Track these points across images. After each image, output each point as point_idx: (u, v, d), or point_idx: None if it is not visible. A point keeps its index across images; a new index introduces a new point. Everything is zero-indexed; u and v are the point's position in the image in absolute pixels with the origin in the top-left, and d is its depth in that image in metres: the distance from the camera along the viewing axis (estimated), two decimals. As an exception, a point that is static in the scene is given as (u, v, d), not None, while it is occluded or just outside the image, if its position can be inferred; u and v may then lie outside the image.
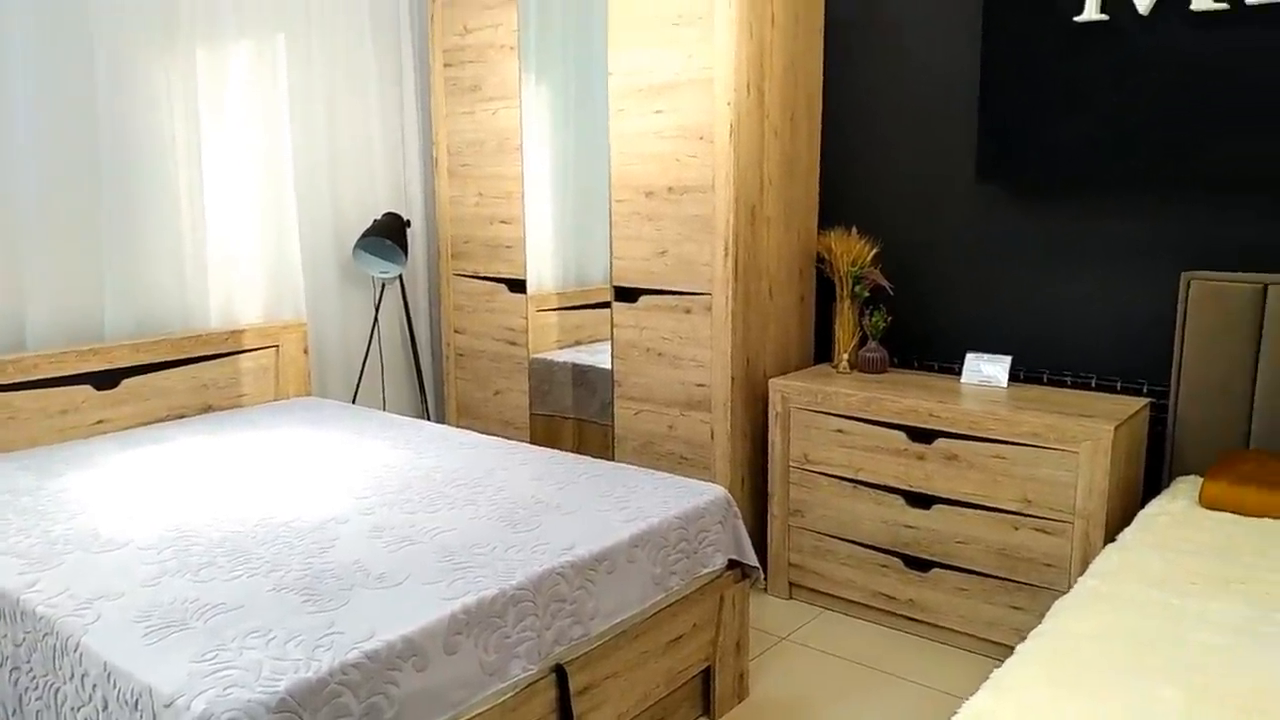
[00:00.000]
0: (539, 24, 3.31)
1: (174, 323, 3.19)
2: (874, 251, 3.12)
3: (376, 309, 3.73)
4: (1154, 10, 2.55)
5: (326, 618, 1.67)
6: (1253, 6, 2.41)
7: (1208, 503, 2.26)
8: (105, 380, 2.95)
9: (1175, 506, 2.29)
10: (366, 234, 3.51)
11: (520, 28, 3.33)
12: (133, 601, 1.74)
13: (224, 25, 3.21)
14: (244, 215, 3.33)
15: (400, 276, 3.72)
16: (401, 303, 3.85)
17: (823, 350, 3.39)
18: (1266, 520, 2.17)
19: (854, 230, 3.19)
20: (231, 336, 3.25)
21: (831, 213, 3.32)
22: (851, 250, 3.10)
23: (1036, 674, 1.51)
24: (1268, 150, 2.44)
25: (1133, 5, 2.57)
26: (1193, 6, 2.48)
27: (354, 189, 3.69)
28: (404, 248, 3.53)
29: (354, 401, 3.71)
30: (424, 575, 1.85)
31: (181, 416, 3.13)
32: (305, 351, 3.45)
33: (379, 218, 3.65)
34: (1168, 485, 2.58)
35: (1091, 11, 2.62)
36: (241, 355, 3.29)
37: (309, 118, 3.50)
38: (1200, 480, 2.46)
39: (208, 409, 3.21)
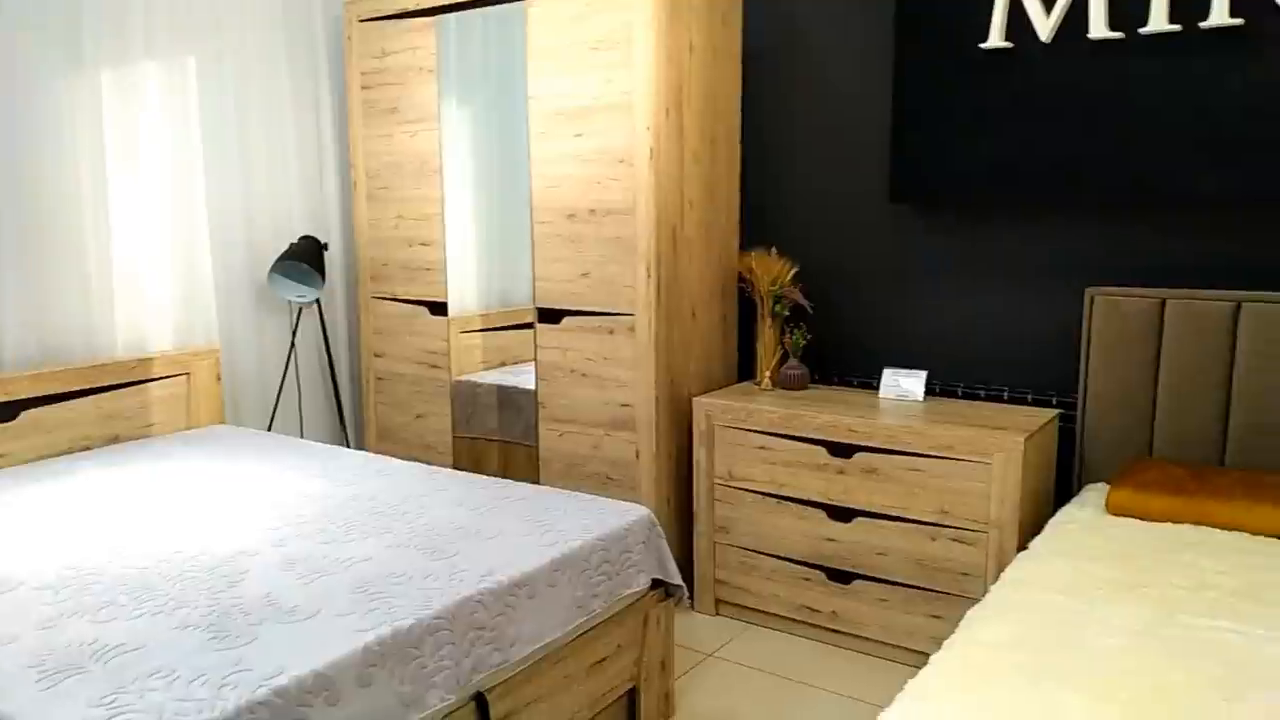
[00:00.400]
0: (459, 47, 3.30)
1: (78, 351, 3.08)
2: (793, 271, 3.17)
3: (293, 334, 3.65)
4: (1055, 38, 2.65)
5: (234, 655, 1.61)
6: (1146, 35, 2.52)
7: (1113, 510, 2.34)
8: (4, 412, 2.83)
9: (1083, 514, 2.37)
10: (282, 257, 3.44)
11: (439, 51, 3.32)
12: (26, 646, 1.66)
13: (132, 47, 3.12)
14: (153, 239, 3.23)
15: (318, 300, 3.65)
16: (319, 327, 3.77)
17: (746, 368, 3.42)
18: (1168, 525, 2.25)
19: (774, 250, 3.24)
20: (140, 364, 3.14)
21: (752, 233, 3.37)
22: (772, 270, 3.14)
23: (947, 684, 1.54)
24: (1162, 171, 2.55)
25: (1035, 33, 2.67)
26: (1090, 35, 2.58)
27: (269, 212, 3.61)
28: (321, 271, 3.47)
29: (270, 429, 3.61)
30: (337, 607, 1.80)
31: (87, 448, 3.02)
32: (218, 379, 3.36)
33: (295, 241, 3.58)
34: (1077, 493, 2.66)
35: (996, 39, 2.72)
36: (150, 384, 3.18)
37: (221, 140, 3.42)
38: (1107, 488, 2.54)
39: (115, 440, 3.10)
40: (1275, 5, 2.34)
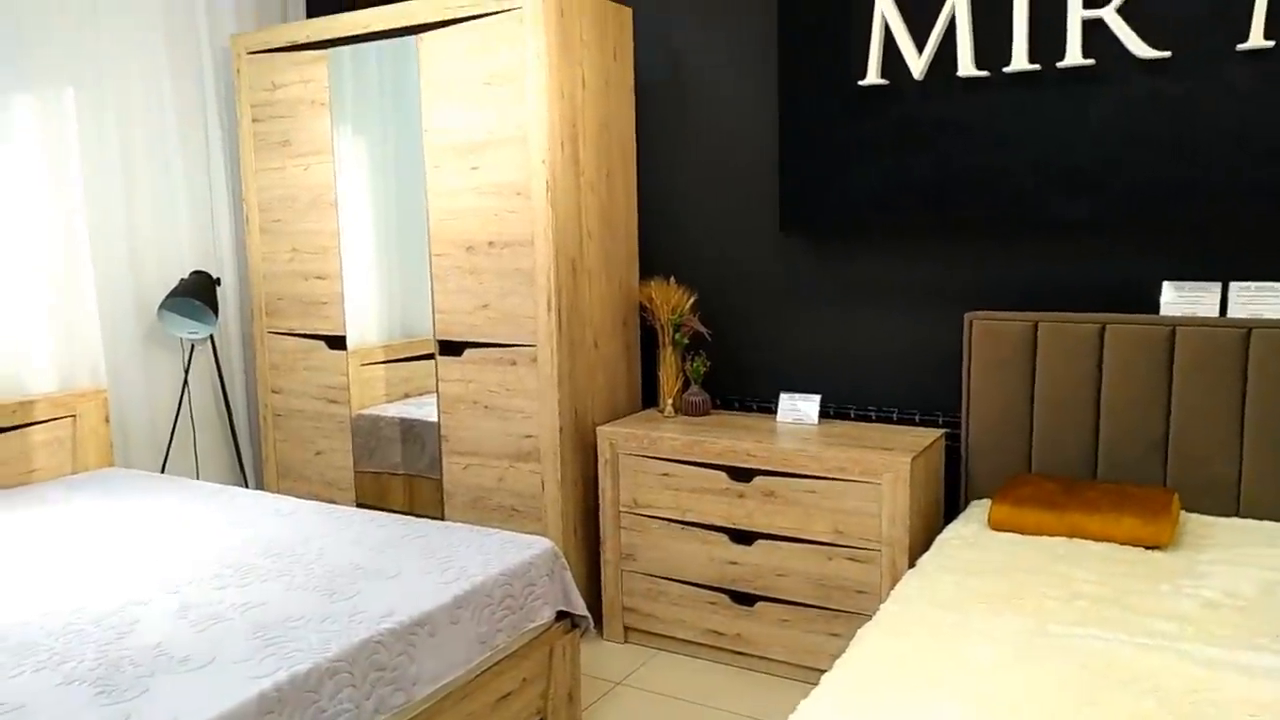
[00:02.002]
0: (354, 80, 3.29)
1: (-49, 396, 2.94)
2: (692, 300, 3.25)
3: (186, 371, 3.56)
4: (927, 76, 2.79)
5: (122, 710, 1.57)
6: (1009, 74, 2.69)
7: (995, 525, 2.46)
8: None
9: (968, 530, 2.48)
10: (172, 294, 3.35)
11: (332, 84, 3.30)
12: (-106, 712, 1.58)
13: (4, 81, 3.02)
14: (32, 278, 3.12)
15: (211, 337, 3.57)
16: (213, 364, 3.68)
17: (649, 395, 3.48)
18: (1044, 538, 2.38)
19: (673, 280, 3.31)
20: (20, 408, 3.02)
21: (651, 263, 3.44)
22: (671, 299, 3.21)
23: (836, 702, 1.60)
24: (1029, 199, 2.71)
25: (909, 71, 2.81)
26: (959, 73, 2.74)
27: (157, 248, 3.52)
28: (214, 307, 3.40)
29: (163, 471, 3.50)
30: (233, 654, 1.77)
31: (-38, 498, 2.88)
32: (106, 420, 3.25)
33: (185, 277, 3.50)
34: (963, 510, 2.79)
35: (873, 76, 2.85)
36: (32, 427, 3.06)
37: (104, 173, 3.33)
38: (990, 504, 2.66)
39: (-7, 488, 2.97)
40: (1123, 46, 2.53)
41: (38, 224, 3.13)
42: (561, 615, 2.38)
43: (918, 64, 2.78)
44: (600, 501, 3.07)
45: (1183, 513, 2.54)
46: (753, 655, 2.89)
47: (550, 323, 2.97)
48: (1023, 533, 2.42)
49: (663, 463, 2.95)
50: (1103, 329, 2.64)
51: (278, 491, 3.64)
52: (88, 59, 3.26)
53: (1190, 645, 1.77)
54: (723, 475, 2.86)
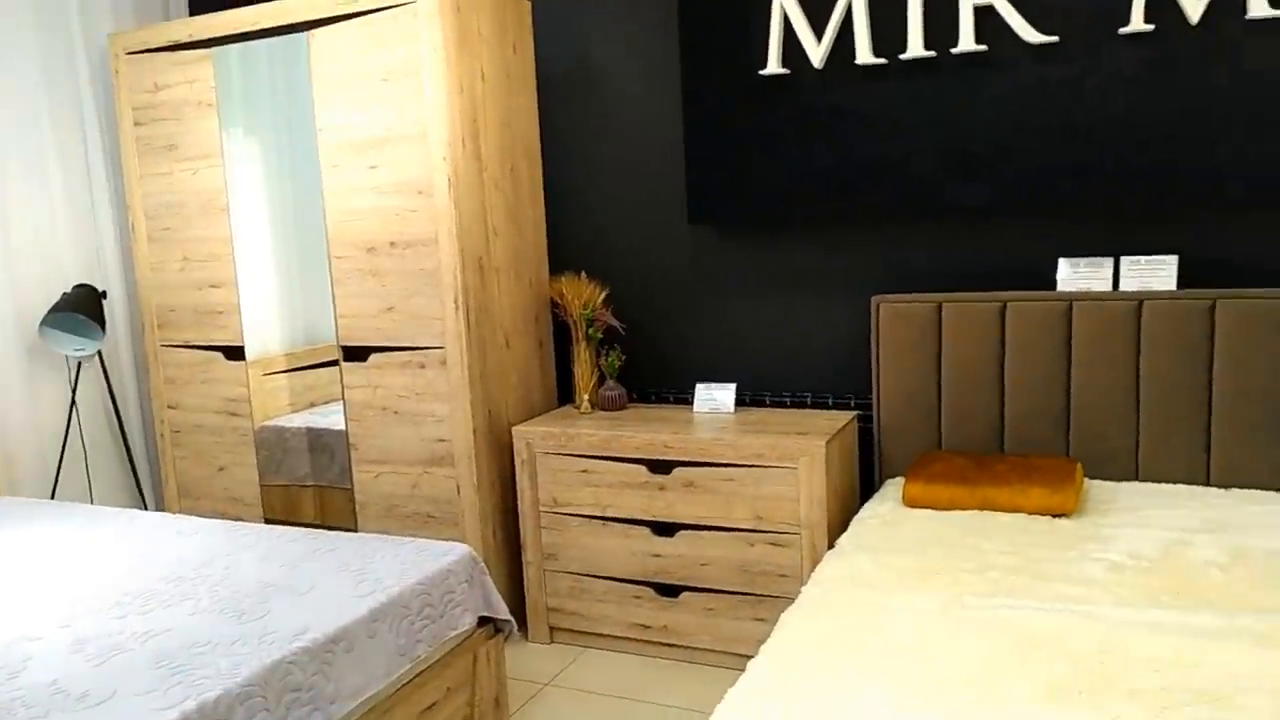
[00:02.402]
0: (243, 79, 3.16)
1: None
2: (604, 294, 3.22)
3: (73, 391, 3.37)
4: (827, 64, 2.82)
5: (13, 755, 1.47)
6: (906, 61, 2.73)
7: (909, 502, 2.51)
8: None
9: (884, 509, 2.52)
10: (54, 309, 3.17)
11: (219, 84, 3.16)
12: None
13: None
14: (-104, 298, 2.91)
15: (100, 353, 3.39)
16: (103, 381, 3.50)
17: (565, 393, 3.44)
18: (957, 513, 2.43)
19: (584, 274, 3.28)
20: (-111, 438, 2.81)
21: (561, 259, 3.40)
22: (582, 294, 3.18)
23: (763, 689, 1.60)
24: (928, 184, 2.76)
25: (809, 60, 2.83)
26: (858, 61, 2.77)
27: (36, 261, 3.32)
28: (101, 321, 3.23)
29: (53, 497, 3.32)
30: (136, 686, 1.68)
31: None
32: (-13, 446, 3.06)
33: (68, 291, 3.31)
34: (878, 489, 2.83)
35: (774, 66, 2.87)
36: (-96, 458, 2.86)
37: (-26, 184, 3.13)
38: (903, 482, 2.71)
39: None
40: (1013, 32, 2.60)
41: (-101, 240, 2.92)
42: (484, 621, 2.33)
43: (817, 52, 2.81)
44: (519, 502, 3.03)
45: (1086, 480, 2.63)
46: (680, 646, 2.88)
47: (459, 323, 2.91)
48: (936, 508, 2.47)
49: (581, 459, 2.92)
50: (1004, 307, 2.71)
51: (179, 512, 3.49)
52: (-52, 62, 3.06)
53: (1098, 608, 1.83)
54: (642, 469, 2.85)
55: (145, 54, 3.27)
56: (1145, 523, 2.28)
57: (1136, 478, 2.62)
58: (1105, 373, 2.60)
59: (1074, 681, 1.57)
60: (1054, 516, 2.36)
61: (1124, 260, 2.63)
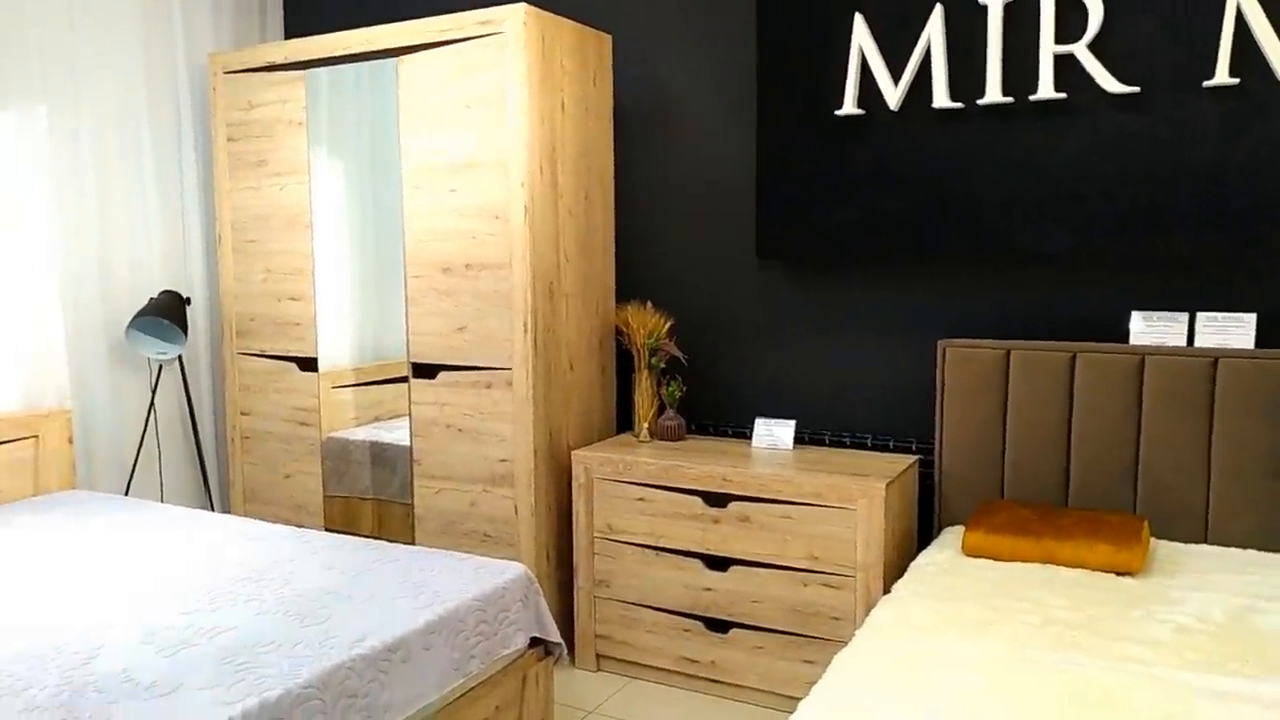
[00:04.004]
0: (331, 101, 3.28)
1: (-90, 415, 2.87)
2: (669, 324, 3.25)
3: (153, 392, 3.50)
4: (903, 106, 2.83)
5: (84, 738, 1.53)
6: (983, 106, 2.73)
7: (969, 551, 2.47)
8: None
9: (942, 556, 2.49)
10: (141, 313, 3.31)
11: (309, 104, 3.29)
12: None
13: (-25, 92, 2.98)
14: (-3, 295, 3.06)
15: (180, 357, 3.51)
16: (181, 385, 3.63)
17: (625, 419, 3.47)
18: (1018, 564, 2.39)
19: (649, 304, 3.32)
20: (-19, 428, 2.95)
21: (628, 287, 3.44)
22: (647, 323, 3.21)
23: (817, 728, 1.59)
24: (1001, 229, 2.75)
25: (885, 102, 2.85)
26: (935, 105, 2.78)
27: (127, 266, 3.47)
28: (184, 327, 3.35)
29: (127, 493, 3.44)
30: (201, 680, 1.73)
31: (-82, 519, 2.80)
32: (70, 441, 3.18)
33: (155, 296, 3.45)
34: (937, 536, 2.80)
35: (850, 106, 2.89)
36: (-7, 448, 2.99)
37: (75, 192, 3.28)
38: (963, 530, 2.67)
39: (-49, 509, 2.89)
40: (1093, 81, 2.58)
41: (4, 241, 3.07)
42: (535, 642, 2.35)
43: (894, 95, 2.82)
44: (574, 527, 3.05)
45: (1153, 539, 2.57)
46: (727, 683, 2.86)
47: (526, 345, 2.96)
48: (997, 559, 2.43)
49: (638, 488, 2.94)
50: (1073, 358, 2.67)
51: (244, 515, 3.58)
52: (63, 76, 3.23)
53: (1163, 670, 1.79)
54: (698, 500, 2.85)
55: (242, 74, 3.42)
56: (1214, 586, 2.21)
57: (1205, 540, 2.55)
58: (1177, 430, 2.55)
59: (1136, 743, 1.53)
60: (1119, 574, 2.31)
61: (1200, 316, 2.58)
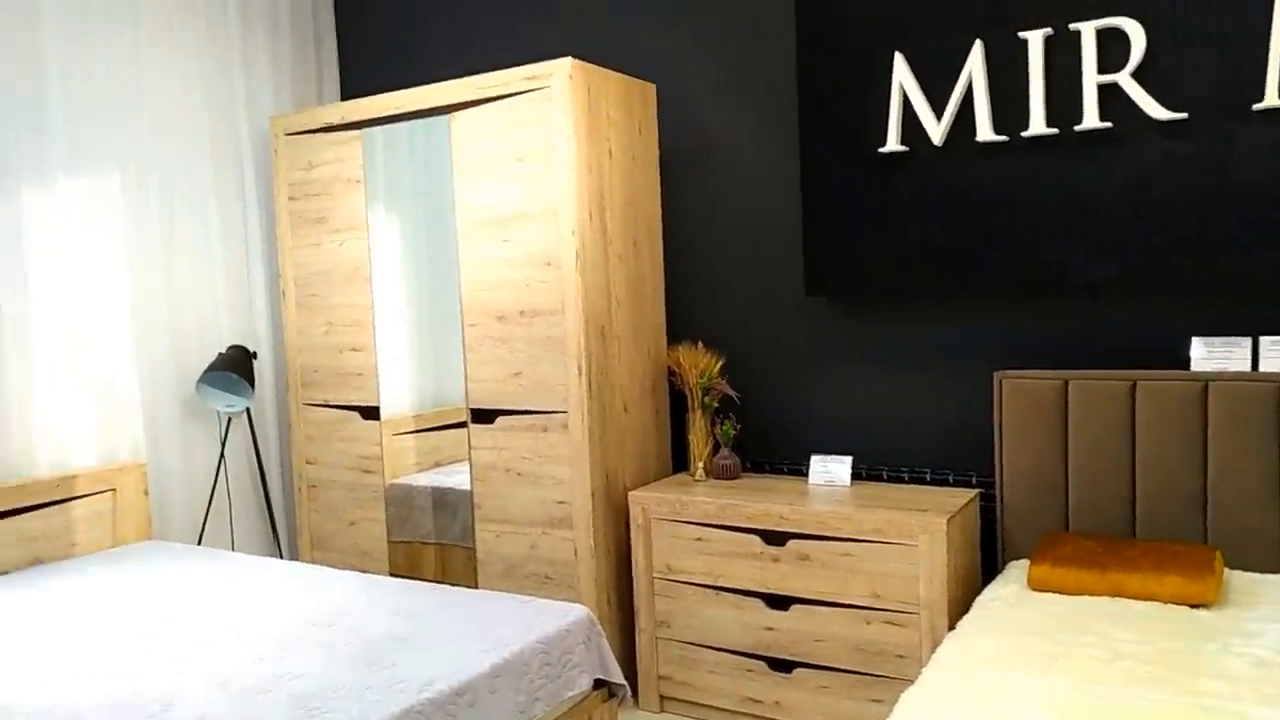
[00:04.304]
0: (386, 158, 3.40)
1: (-3, 472, 3.01)
2: (720, 363, 3.28)
3: (223, 444, 3.61)
4: (946, 141, 2.85)
5: (168, 783, 1.58)
6: (1028, 138, 2.74)
7: (1034, 585, 2.44)
8: (-84, 540, 2.74)
9: (1007, 591, 2.46)
10: (211, 368, 3.43)
11: (366, 162, 3.41)
12: (-55, 787, 1.60)
13: (53, 163, 3.15)
14: (75, 356, 3.20)
15: (248, 409, 3.63)
16: (249, 436, 3.74)
17: (680, 460, 3.49)
18: (1084, 598, 2.35)
19: (700, 344, 3.35)
20: (62, 483, 3.07)
21: (679, 328, 3.48)
22: (699, 363, 3.24)
23: (885, 768, 1.58)
24: (1052, 260, 2.74)
25: (928, 137, 2.87)
26: (978, 138, 2.79)
27: (196, 323, 3.61)
28: (250, 380, 3.46)
29: (199, 543, 3.54)
30: (276, 726, 1.77)
31: (4, 573, 2.92)
32: (145, 493, 3.30)
33: (224, 351, 3.58)
34: (1001, 570, 2.76)
35: (894, 143, 2.91)
36: (74, 502, 3.11)
37: (147, 253, 3.44)
38: (1028, 564, 2.64)
39: (36, 562, 3.01)
40: (1139, 109, 2.58)
41: (82, 302, 3.22)
42: (599, 684, 2.37)
43: (937, 130, 2.84)
44: (633, 568, 3.07)
45: (1226, 570, 2.51)
46: (791, 723, 2.84)
47: (581, 389, 3.01)
48: (1063, 593, 2.39)
49: (695, 527, 2.95)
50: (1133, 386, 2.64)
51: (311, 562, 3.66)
52: (133, 142, 3.39)
53: (1243, 706, 1.74)
54: (756, 539, 2.85)
55: (302, 135, 3.56)
56: (1293, 617, 2.15)
57: (1282, 569, 2.48)
58: (1245, 457, 2.49)
59: (1215, 781, 1.49)
60: (1192, 607, 2.25)
61: (1264, 340, 2.53)
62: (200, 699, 1.91)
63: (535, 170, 3.03)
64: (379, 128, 3.38)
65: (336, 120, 3.46)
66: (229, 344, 3.70)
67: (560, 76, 2.96)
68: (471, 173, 3.16)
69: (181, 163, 3.56)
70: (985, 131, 2.78)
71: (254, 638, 2.24)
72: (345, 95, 4.18)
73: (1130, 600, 2.31)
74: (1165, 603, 2.28)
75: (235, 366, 3.44)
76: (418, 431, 3.46)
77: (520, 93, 3.05)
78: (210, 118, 3.67)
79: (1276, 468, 2.47)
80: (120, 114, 3.36)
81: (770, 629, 2.84)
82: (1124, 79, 2.58)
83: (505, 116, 3.08)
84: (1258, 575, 2.45)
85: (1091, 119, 2.63)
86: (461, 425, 3.28)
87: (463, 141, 3.17)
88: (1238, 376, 2.51)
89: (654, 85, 3.37)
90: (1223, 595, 2.32)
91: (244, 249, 3.79)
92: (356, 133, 3.42)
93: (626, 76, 3.22)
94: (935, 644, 2.58)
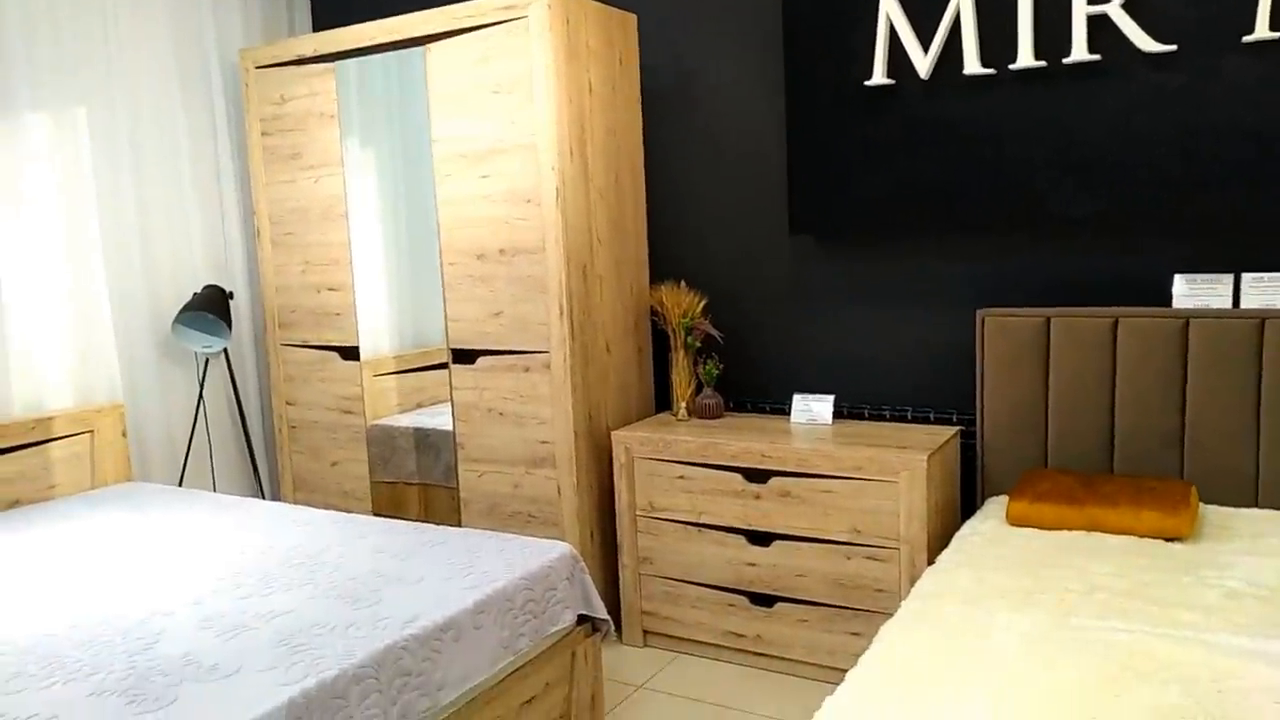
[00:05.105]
0: (360, 92, 3.31)
1: (-29, 414, 2.97)
2: (703, 303, 3.26)
3: (201, 385, 3.58)
4: (932, 75, 2.80)
5: (154, 718, 1.58)
6: (1016, 71, 2.70)
7: (1013, 521, 2.46)
8: (-110, 482, 2.71)
9: (986, 527, 2.48)
10: (186, 308, 3.38)
11: (340, 96, 3.32)
12: (-72, 725, 1.60)
13: (16, 97, 3.05)
14: (47, 297, 3.14)
15: (225, 350, 3.58)
16: (228, 377, 3.70)
17: (662, 399, 3.49)
18: (1063, 533, 2.38)
19: (683, 283, 3.32)
20: (38, 425, 3.04)
21: (661, 267, 3.45)
22: (682, 303, 3.22)
23: (861, 699, 1.61)
24: (1037, 195, 2.71)
25: (914, 70, 2.82)
26: (965, 71, 2.75)
27: (170, 263, 3.54)
28: (227, 320, 3.42)
29: (180, 484, 3.52)
30: (259, 662, 1.78)
31: (-17, 515, 2.90)
32: (124, 434, 3.27)
33: (199, 291, 3.52)
34: (980, 506, 2.79)
35: (879, 76, 2.86)
36: (51, 444, 3.08)
37: (117, 191, 3.35)
38: (1007, 500, 2.66)
39: (15, 504, 2.99)
40: (1128, 41, 2.54)
41: (53, 243, 3.15)
42: (582, 619, 2.39)
43: (923, 63, 2.79)
44: (616, 506, 3.08)
45: (1202, 504, 2.54)
46: (773, 656, 2.89)
47: (563, 328, 2.98)
48: (1041, 528, 2.42)
49: (678, 466, 2.96)
50: (1115, 323, 2.64)
51: (294, 503, 3.66)
52: (100, 79, 3.29)
53: (1214, 635, 1.77)
54: (738, 477, 2.87)
55: (273, 68, 3.46)
56: (1265, 551, 2.19)
57: (1256, 504, 2.52)
58: (1223, 393, 2.51)
59: (1186, 709, 1.53)
60: (1167, 540, 2.29)
61: (1245, 276, 2.53)
62: (185, 636, 1.91)
63: (513, 103, 2.97)
64: (352, 60, 3.28)
65: (309, 53, 3.36)
66: (204, 284, 3.64)
67: (538, 5, 2.88)
68: (448, 106, 3.09)
69: (150, 98, 3.46)
70: (973, 64, 2.73)
71: (236, 576, 2.24)
72: (317, 26, 4.06)
73: (1107, 534, 2.34)
74: (1142, 537, 2.31)
75: (211, 306, 3.39)
76: (399, 373, 3.43)
77: (497, 23, 2.97)
78: (178, 51, 3.56)
79: (1253, 404, 2.49)
80: (85, 49, 3.25)
81: (752, 564, 2.87)
82: (1113, 9, 2.54)
83: (482, 48, 3.00)
84: (1232, 509, 2.49)
85: (1080, 51, 2.59)
86: (443, 366, 3.26)
87: (439, 74, 3.09)
88: (1218, 313, 2.52)
89: (634, 16, 3.29)
90: (1198, 529, 2.35)
91: (217, 186, 3.70)
92: (329, 65, 3.32)
93: (606, 6, 3.13)
94: (915, 578, 2.62)
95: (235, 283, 3.75)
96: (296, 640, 1.87)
